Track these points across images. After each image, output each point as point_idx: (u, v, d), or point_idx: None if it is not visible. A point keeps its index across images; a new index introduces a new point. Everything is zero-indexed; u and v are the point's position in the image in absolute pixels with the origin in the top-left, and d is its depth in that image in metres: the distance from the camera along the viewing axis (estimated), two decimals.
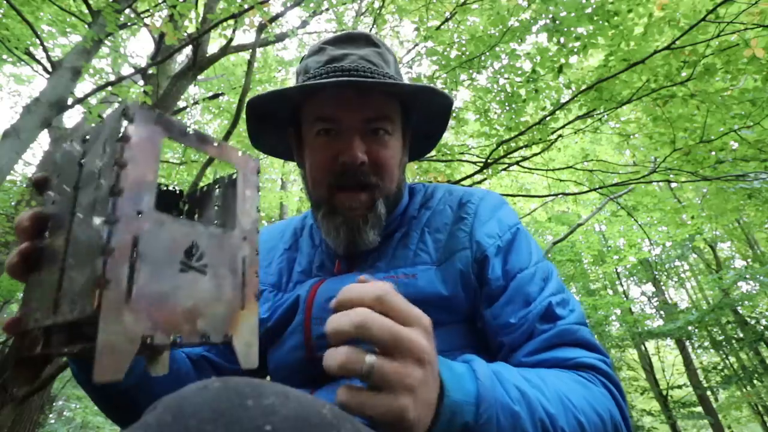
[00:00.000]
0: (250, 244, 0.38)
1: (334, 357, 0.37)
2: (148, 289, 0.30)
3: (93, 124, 0.36)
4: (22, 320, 0.35)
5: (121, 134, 0.31)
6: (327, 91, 0.68)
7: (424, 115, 0.77)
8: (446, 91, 3.83)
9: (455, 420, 0.41)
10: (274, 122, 0.77)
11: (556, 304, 0.63)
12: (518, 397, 0.46)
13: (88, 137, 0.35)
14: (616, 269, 11.21)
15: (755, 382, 9.23)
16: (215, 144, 0.37)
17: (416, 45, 5.26)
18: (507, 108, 3.80)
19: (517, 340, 0.63)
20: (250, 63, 3.55)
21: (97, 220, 0.30)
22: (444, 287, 0.66)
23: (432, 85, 0.72)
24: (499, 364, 0.52)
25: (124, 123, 0.32)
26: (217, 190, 0.43)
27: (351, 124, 0.68)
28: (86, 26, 3.64)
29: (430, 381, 0.39)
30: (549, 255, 8.82)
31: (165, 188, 0.46)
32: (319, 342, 0.66)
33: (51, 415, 12.07)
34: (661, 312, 11.48)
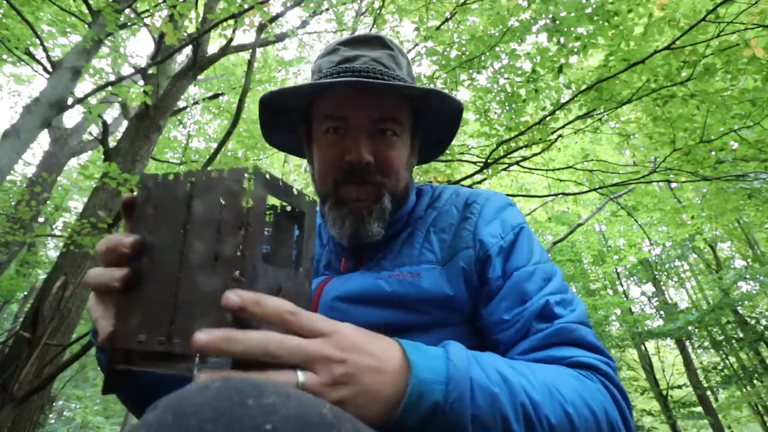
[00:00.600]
0: (308, 280, 0.45)
1: (265, 377, 0.36)
2: (265, 328, 0.38)
3: (204, 171, 0.41)
4: (117, 337, 0.40)
5: (246, 199, 0.39)
6: (337, 90, 0.70)
7: (435, 118, 0.78)
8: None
9: (424, 399, 0.41)
10: (285, 118, 0.79)
11: (555, 303, 0.62)
12: (498, 380, 0.46)
13: (196, 182, 0.41)
14: (616, 269, 11.20)
15: (755, 382, 9.23)
16: (295, 193, 0.45)
17: (416, 45, 5.26)
18: (507, 108, 3.80)
19: (512, 337, 0.62)
20: (250, 63, 3.55)
21: (222, 272, 0.37)
22: (449, 287, 0.66)
23: (440, 89, 0.72)
24: (486, 353, 0.52)
25: (245, 185, 0.39)
26: (269, 217, 0.49)
27: (359, 123, 0.69)
28: (86, 26, 3.64)
29: (356, 375, 0.40)
30: (549, 255, 8.82)
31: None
32: None
33: (51, 415, 12.07)
34: (661, 312, 11.48)
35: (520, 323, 0.62)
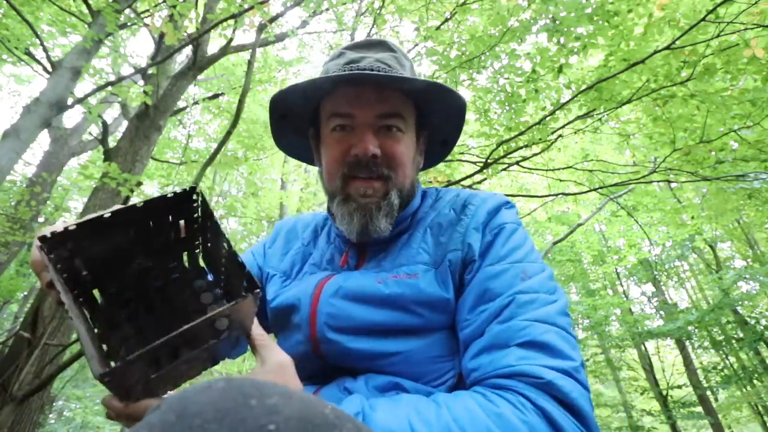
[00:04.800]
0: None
1: None
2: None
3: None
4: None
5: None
6: (342, 90, 0.72)
7: (439, 117, 0.79)
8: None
9: None
10: (295, 120, 0.81)
11: (521, 302, 0.59)
12: None
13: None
14: (616, 269, 11.20)
15: (755, 382, 9.22)
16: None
17: (416, 45, 5.26)
18: (507, 108, 3.79)
19: (470, 336, 0.62)
20: (250, 63, 3.55)
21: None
22: (444, 290, 0.67)
23: (443, 83, 0.74)
24: (400, 398, 0.53)
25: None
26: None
27: (364, 120, 0.71)
28: (86, 26, 3.64)
29: None
30: (549, 255, 8.81)
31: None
32: (324, 338, 0.68)
33: (51, 415, 12.06)
34: (661, 312, 11.47)
35: (478, 323, 0.61)
